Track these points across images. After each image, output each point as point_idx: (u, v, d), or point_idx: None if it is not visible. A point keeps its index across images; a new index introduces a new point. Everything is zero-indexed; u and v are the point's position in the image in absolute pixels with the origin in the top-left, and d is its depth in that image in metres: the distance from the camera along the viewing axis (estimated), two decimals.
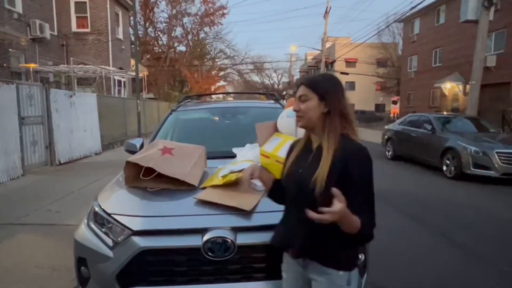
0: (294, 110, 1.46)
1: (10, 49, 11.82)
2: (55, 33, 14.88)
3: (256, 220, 1.93)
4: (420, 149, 9.07)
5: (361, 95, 38.13)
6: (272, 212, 2.01)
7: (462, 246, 3.94)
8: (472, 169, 7.19)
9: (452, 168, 7.61)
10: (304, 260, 1.45)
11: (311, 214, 1.19)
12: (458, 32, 18.64)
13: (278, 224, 1.58)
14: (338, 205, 1.16)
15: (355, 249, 1.47)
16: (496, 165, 6.92)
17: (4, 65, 11.50)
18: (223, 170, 2.33)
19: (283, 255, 1.58)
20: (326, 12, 25.98)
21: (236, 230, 1.86)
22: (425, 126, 8.93)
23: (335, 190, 1.18)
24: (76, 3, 16.09)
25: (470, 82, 11.63)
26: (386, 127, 11.84)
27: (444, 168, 7.88)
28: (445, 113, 12.97)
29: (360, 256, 2.13)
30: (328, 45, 30.37)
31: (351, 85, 39.18)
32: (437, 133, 8.49)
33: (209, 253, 1.80)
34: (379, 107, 37.50)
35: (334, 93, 1.40)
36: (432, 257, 3.63)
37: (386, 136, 11.04)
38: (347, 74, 30.84)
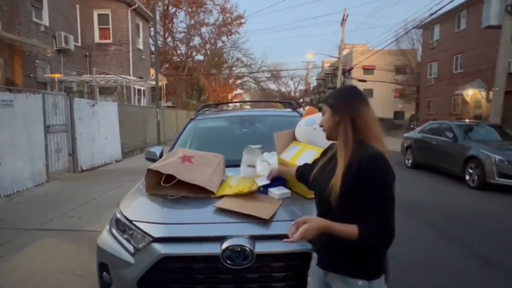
0: (320, 126, 1.55)
1: (37, 60, 12.34)
2: (79, 44, 15.44)
3: (275, 228, 1.93)
4: (441, 158, 8.85)
5: (379, 102, 37.53)
6: (290, 221, 2.01)
7: (487, 258, 3.80)
8: (497, 178, 6.96)
9: (476, 178, 7.38)
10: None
11: (284, 241, 1.32)
12: (479, 37, 18.21)
13: None
14: (295, 236, 1.29)
15: (378, 259, 1.42)
16: None
17: (31, 75, 11.99)
18: (232, 179, 2.40)
19: (312, 259, 1.62)
20: (344, 20, 25.92)
21: (255, 238, 1.87)
22: (446, 134, 8.72)
23: (292, 225, 1.34)
24: (99, 15, 16.67)
25: (493, 89, 11.30)
26: (405, 135, 11.62)
27: (467, 177, 7.65)
28: (467, 120, 12.62)
29: None
30: (345, 52, 30.23)
31: (369, 92, 38.67)
32: (459, 141, 8.26)
33: (228, 261, 1.82)
34: (398, 115, 36.87)
35: (342, 103, 1.45)
36: (456, 269, 3.52)
37: (405, 144, 10.83)
38: (364, 81, 30.57)
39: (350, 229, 1.29)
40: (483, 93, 18.68)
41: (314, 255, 1.59)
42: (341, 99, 1.47)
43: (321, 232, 1.31)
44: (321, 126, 1.54)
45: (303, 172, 1.84)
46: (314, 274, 1.59)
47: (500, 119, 10.82)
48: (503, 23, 10.53)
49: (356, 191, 1.31)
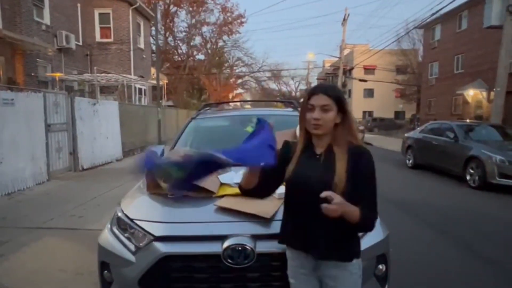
0: (315, 119, 1.49)
1: (38, 59, 12.35)
2: (80, 43, 15.44)
3: (276, 228, 1.92)
4: (442, 158, 8.84)
5: (380, 102, 37.62)
6: None
7: (487, 258, 3.80)
8: (498, 178, 6.95)
9: (476, 178, 7.37)
10: (316, 262, 1.54)
11: (326, 206, 1.33)
12: (481, 38, 18.20)
13: (285, 226, 1.64)
14: (338, 197, 1.34)
15: (358, 238, 1.61)
16: None
17: (32, 74, 12.00)
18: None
19: (288, 261, 1.65)
20: (344, 20, 25.88)
21: (256, 237, 1.87)
22: (447, 134, 8.71)
23: (327, 193, 1.34)
24: (100, 14, 16.68)
25: (494, 89, 11.29)
26: (406, 134, 11.61)
27: (468, 177, 7.65)
28: (468, 120, 12.62)
29: (381, 267, 2.10)
30: (346, 52, 30.19)
31: (370, 92, 38.76)
32: (460, 142, 8.26)
33: (229, 260, 1.82)
34: (399, 114, 36.86)
35: (346, 105, 1.53)
36: (456, 269, 3.52)
37: (406, 144, 10.82)
38: (365, 81, 30.60)
39: (357, 211, 1.41)
40: (484, 94, 18.66)
41: (290, 255, 1.63)
42: (345, 100, 1.54)
43: (342, 207, 1.36)
44: (318, 119, 1.48)
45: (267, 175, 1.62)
46: (299, 273, 1.60)
47: (501, 119, 10.82)
48: (504, 23, 10.52)
49: (352, 183, 1.45)
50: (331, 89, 1.51)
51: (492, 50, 15.73)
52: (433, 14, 16.26)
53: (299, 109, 3.92)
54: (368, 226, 1.50)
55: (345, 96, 1.60)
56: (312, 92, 1.52)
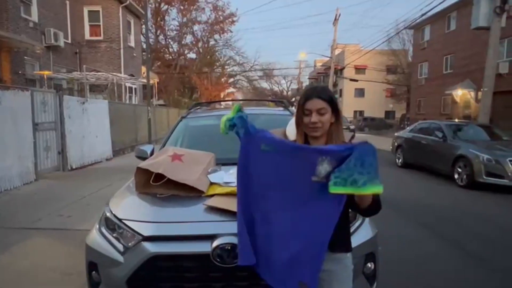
0: (313, 122, 1.53)
1: (25, 57, 12.14)
2: (69, 41, 15.23)
3: None
4: (431, 157, 8.96)
5: (370, 102, 37.95)
6: None
7: (475, 256, 3.87)
8: (485, 177, 7.07)
9: (464, 177, 7.49)
10: None
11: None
12: (469, 38, 18.48)
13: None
14: None
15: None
16: (509, 174, 6.79)
17: (20, 72, 11.80)
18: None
19: None
20: (336, 19, 26.01)
21: None
22: (436, 133, 8.82)
23: None
24: (89, 11, 16.48)
25: (482, 89, 11.48)
26: (396, 134, 11.73)
27: (456, 176, 7.76)
28: (456, 120, 12.80)
29: (369, 265, 2.12)
30: (337, 52, 30.36)
31: (361, 92, 39.05)
32: (449, 141, 8.38)
33: (218, 260, 1.81)
34: (389, 114, 37.23)
35: (338, 104, 1.59)
36: (445, 267, 3.57)
37: (396, 144, 10.94)
38: (356, 81, 30.82)
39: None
40: (472, 94, 18.96)
41: None
42: (335, 101, 1.58)
43: None
44: (315, 122, 1.52)
45: None
46: None
47: (489, 119, 11.00)
48: (491, 25, 10.70)
49: None
50: (323, 92, 1.56)
51: (480, 51, 15.98)
52: (423, 15, 16.47)
53: (289, 108, 3.95)
54: (378, 208, 1.58)
55: (336, 96, 1.63)
56: (306, 97, 1.55)
